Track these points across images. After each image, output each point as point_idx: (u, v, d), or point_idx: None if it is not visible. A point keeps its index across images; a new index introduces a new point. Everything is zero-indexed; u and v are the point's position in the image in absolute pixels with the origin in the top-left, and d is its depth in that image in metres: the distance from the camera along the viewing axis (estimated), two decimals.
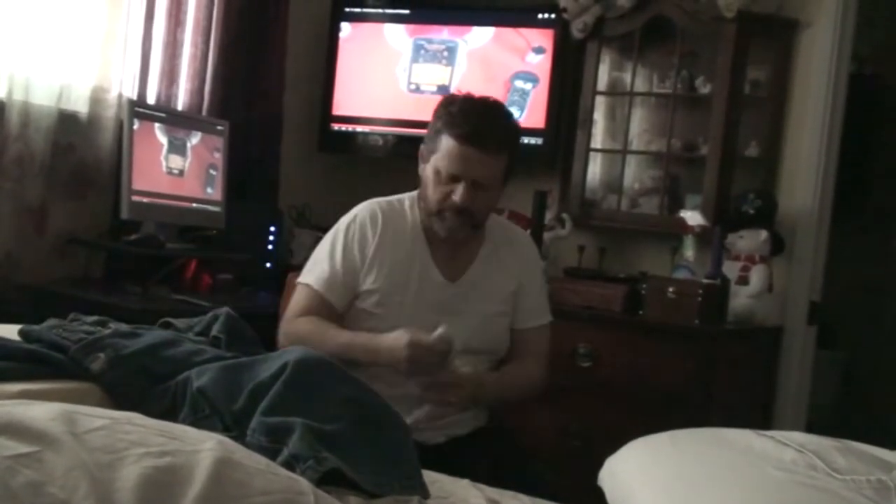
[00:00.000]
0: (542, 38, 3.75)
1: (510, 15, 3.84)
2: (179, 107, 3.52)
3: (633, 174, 3.71)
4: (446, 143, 2.18)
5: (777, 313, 3.42)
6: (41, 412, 1.20)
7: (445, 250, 2.29)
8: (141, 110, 3.22)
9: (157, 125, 3.26)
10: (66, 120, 3.19)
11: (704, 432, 1.82)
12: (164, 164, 3.29)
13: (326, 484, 1.39)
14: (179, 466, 1.16)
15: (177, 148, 3.33)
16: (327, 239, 2.32)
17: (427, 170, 2.24)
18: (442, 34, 3.91)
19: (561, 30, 3.70)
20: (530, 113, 3.73)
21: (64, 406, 1.26)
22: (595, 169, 3.75)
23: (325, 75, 4.04)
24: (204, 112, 3.58)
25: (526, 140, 3.42)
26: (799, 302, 3.45)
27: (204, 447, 1.22)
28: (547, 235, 3.53)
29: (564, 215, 3.64)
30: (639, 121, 3.72)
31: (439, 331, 2.06)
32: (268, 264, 3.69)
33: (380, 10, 4.00)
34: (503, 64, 3.80)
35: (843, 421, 4.34)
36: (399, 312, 2.20)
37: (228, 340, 1.97)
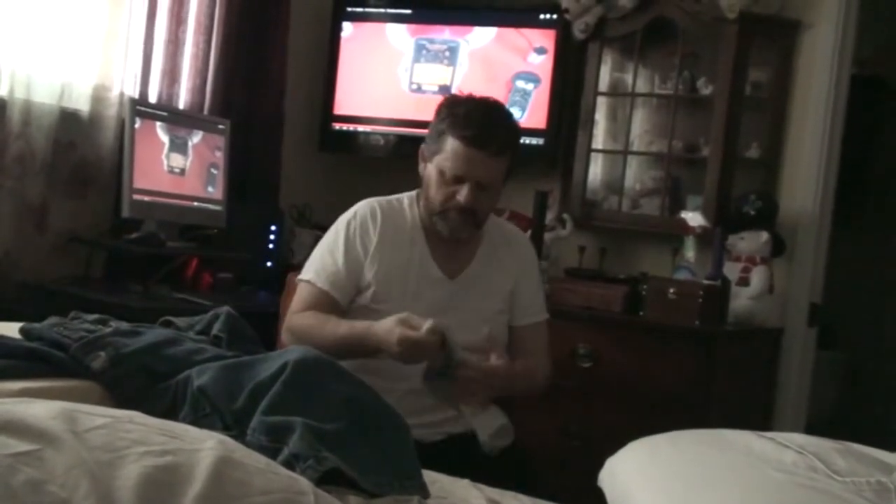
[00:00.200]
0: (544, 38, 3.75)
1: (512, 15, 3.84)
2: (181, 105, 3.52)
3: (634, 175, 3.71)
4: (451, 144, 2.19)
5: (777, 315, 3.42)
6: (42, 410, 1.20)
7: (444, 249, 2.30)
8: (142, 109, 3.22)
9: (158, 124, 3.26)
10: (68, 118, 3.19)
11: (704, 433, 1.82)
12: (165, 162, 3.29)
13: (326, 483, 1.39)
14: (180, 465, 1.16)
15: (178, 147, 3.33)
16: (328, 236, 2.33)
17: (430, 170, 2.25)
18: (444, 34, 3.91)
19: (562, 30, 3.69)
20: (531, 113, 3.73)
21: (64, 404, 1.26)
22: (596, 169, 3.74)
23: (326, 75, 4.04)
24: (205, 111, 3.58)
25: (527, 140, 3.42)
26: (799, 303, 3.45)
27: (204, 446, 1.22)
28: (548, 236, 3.53)
29: (565, 216, 3.63)
30: (640, 121, 3.72)
31: (428, 324, 2.04)
32: (268, 263, 3.70)
33: (381, 10, 4.00)
34: (505, 64, 3.80)
35: (843, 422, 4.33)
36: (399, 309, 2.19)
37: (229, 339, 1.98)
